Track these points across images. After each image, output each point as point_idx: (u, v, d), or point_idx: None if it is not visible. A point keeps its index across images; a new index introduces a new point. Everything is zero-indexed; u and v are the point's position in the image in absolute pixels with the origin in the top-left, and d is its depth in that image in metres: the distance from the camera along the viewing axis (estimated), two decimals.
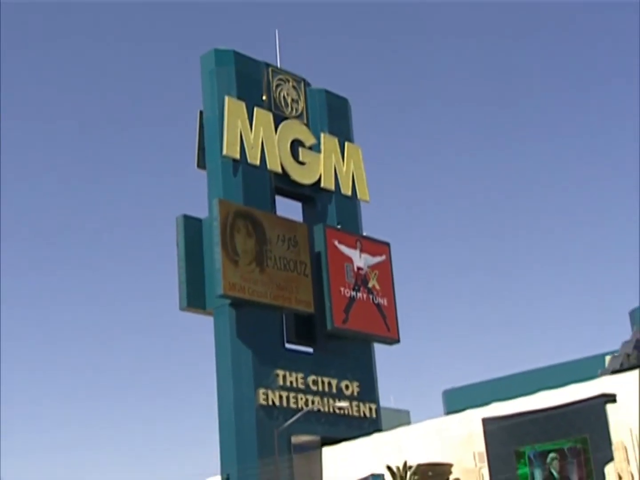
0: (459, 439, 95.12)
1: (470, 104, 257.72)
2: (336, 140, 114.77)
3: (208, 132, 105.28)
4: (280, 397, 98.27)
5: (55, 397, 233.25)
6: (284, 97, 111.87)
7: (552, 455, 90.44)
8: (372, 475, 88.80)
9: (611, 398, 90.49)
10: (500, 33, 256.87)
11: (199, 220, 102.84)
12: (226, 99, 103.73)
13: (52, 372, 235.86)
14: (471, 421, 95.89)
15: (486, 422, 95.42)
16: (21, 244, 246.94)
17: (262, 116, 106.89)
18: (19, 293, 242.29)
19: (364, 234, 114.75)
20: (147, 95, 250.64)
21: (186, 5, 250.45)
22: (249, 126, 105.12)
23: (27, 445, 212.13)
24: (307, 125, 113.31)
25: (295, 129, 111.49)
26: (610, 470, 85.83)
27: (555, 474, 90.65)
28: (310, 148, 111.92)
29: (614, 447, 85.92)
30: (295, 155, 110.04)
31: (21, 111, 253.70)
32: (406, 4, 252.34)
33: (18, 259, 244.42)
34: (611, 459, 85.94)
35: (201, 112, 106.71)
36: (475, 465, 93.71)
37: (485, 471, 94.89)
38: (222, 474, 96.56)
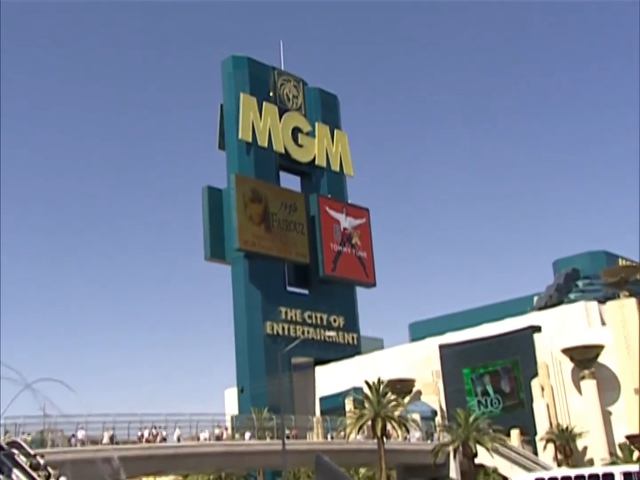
0: (421, 360, 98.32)
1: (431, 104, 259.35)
2: (327, 128, 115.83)
3: (227, 121, 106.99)
4: (283, 328, 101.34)
5: (109, 331, 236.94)
6: (286, 93, 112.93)
7: (486, 378, 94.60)
8: (354, 388, 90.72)
9: (537, 329, 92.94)
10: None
11: (219, 190, 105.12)
12: (241, 95, 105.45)
13: (109, 309, 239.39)
14: (430, 347, 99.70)
15: (442, 347, 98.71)
16: (82, 214, 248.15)
17: (269, 108, 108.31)
18: (69, 258, 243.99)
19: (349, 201, 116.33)
20: (178, 91, 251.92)
21: (210, 18, 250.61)
22: (259, 116, 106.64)
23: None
24: (304, 116, 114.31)
25: (295, 119, 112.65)
26: (535, 383, 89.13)
27: (489, 389, 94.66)
28: (307, 134, 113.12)
29: (538, 366, 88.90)
30: (295, 139, 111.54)
31: (72, 98, 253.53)
32: (387, 17, 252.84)
33: (76, 221, 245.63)
34: (536, 374, 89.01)
35: (222, 105, 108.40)
36: (433, 380, 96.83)
37: (440, 385, 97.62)
38: (238, 386, 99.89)
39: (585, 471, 57.02)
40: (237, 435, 68.98)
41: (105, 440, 57.32)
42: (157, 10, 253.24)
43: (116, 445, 56.31)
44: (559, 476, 57.10)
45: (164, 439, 61.71)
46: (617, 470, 52.04)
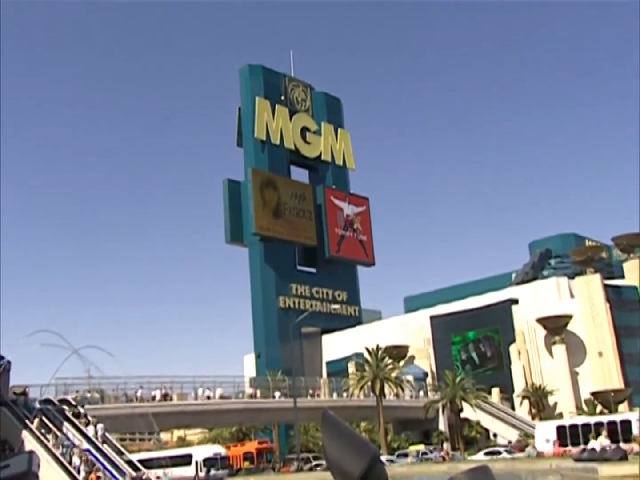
0: (414, 329, 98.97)
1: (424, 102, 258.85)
2: (332, 127, 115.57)
3: (244, 122, 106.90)
4: (294, 302, 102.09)
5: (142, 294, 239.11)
6: (296, 97, 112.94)
7: (471, 344, 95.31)
8: (356, 353, 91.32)
9: (515, 301, 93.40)
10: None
11: (238, 183, 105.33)
12: (257, 99, 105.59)
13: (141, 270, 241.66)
14: (422, 317, 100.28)
15: (432, 318, 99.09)
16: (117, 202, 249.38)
17: (281, 110, 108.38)
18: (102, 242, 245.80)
19: (351, 191, 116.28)
20: (200, 95, 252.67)
21: (228, 31, 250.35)
22: (272, 117, 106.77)
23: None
24: (312, 116, 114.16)
25: (304, 119, 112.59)
26: (513, 348, 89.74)
27: (473, 354, 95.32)
28: (314, 132, 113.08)
29: (515, 333, 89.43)
30: (304, 137, 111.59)
31: (110, 103, 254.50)
32: (384, 26, 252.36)
33: (117, 207, 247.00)
34: (513, 340, 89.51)
35: (239, 108, 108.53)
36: (425, 346, 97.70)
37: (431, 350, 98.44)
38: (255, 352, 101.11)
39: (604, 418, 55.90)
40: (258, 393, 69.97)
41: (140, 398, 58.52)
42: (182, 24, 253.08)
43: (151, 402, 57.55)
44: (580, 423, 56.10)
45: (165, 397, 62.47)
46: (634, 417, 50.95)
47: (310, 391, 73.88)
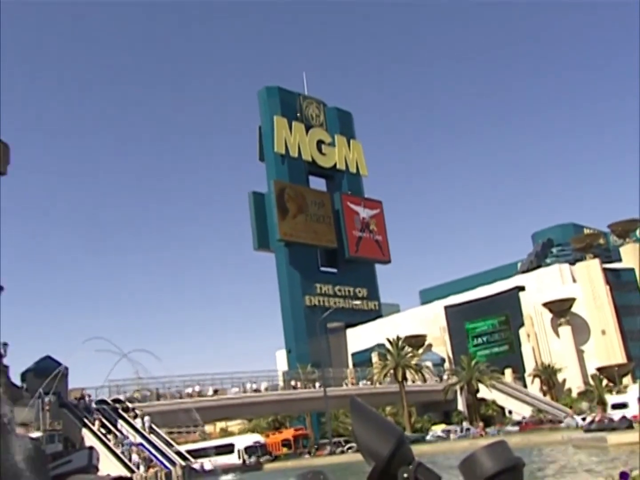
0: (430, 319, 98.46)
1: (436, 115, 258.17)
2: (345, 139, 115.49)
3: (265, 138, 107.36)
4: (319, 300, 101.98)
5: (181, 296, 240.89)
6: (310, 113, 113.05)
7: (483, 329, 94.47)
8: (378, 344, 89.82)
9: (522, 288, 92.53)
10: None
11: (262, 194, 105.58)
12: (275, 117, 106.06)
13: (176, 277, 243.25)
14: (437, 308, 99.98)
15: (447, 308, 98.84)
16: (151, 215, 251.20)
17: (297, 126, 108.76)
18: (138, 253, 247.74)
19: (365, 196, 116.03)
20: (222, 115, 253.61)
21: (247, 54, 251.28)
22: (290, 133, 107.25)
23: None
24: (326, 130, 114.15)
25: (319, 133, 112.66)
26: (522, 332, 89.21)
27: (486, 338, 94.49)
28: (328, 144, 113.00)
29: (524, 318, 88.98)
30: (319, 149, 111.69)
31: (146, 122, 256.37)
32: (391, 47, 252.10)
33: (154, 219, 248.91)
34: (522, 324, 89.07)
35: (260, 127, 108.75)
36: (441, 334, 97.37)
37: (447, 338, 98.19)
38: (286, 348, 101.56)
39: None
40: (299, 385, 70.32)
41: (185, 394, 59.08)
42: (203, 52, 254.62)
43: (193, 398, 58.05)
44: None
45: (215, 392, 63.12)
46: None
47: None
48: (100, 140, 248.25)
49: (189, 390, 59.56)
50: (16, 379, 39.33)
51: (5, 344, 33.39)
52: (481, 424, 67.56)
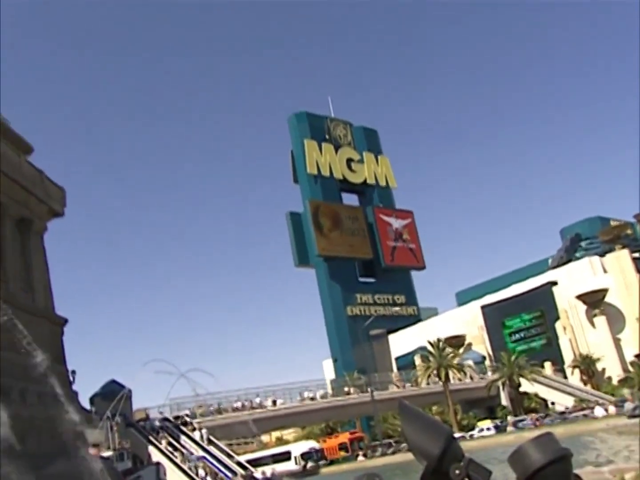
0: (468, 320, 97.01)
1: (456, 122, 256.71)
2: (372, 155, 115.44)
3: (297, 161, 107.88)
4: (360, 309, 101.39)
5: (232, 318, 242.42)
6: (338, 134, 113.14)
7: (520, 325, 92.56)
8: (419, 347, 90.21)
9: (554, 283, 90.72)
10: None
11: (298, 214, 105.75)
12: (305, 141, 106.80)
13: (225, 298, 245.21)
14: (474, 308, 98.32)
15: (483, 307, 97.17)
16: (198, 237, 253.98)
17: (327, 147, 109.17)
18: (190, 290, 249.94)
19: (396, 207, 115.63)
20: (256, 141, 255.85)
21: (276, 82, 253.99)
22: (320, 154, 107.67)
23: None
24: (354, 148, 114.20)
25: (347, 152, 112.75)
26: (558, 325, 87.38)
27: (524, 334, 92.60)
28: (357, 161, 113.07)
29: (559, 311, 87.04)
30: (349, 167, 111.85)
31: (187, 150, 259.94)
32: (413, 71, 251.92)
33: (200, 241, 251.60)
34: (558, 318, 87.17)
35: (292, 151, 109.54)
36: (479, 333, 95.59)
37: (485, 336, 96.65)
38: (332, 357, 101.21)
39: None
40: (352, 391, 69.95)
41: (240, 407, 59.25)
42: (232, 82, 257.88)
43: (249, 411, 58.21)
44: None
45: (274, 403, 63.28)
46: None
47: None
48: (152, 173, 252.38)
49: (245, 403, 59.79)
50: (85, 403, 40.00)
51: (73, 372, 33.99)
52: (533, 415, 66.13)
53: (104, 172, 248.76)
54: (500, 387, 74.66)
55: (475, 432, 63.70)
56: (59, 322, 33.99)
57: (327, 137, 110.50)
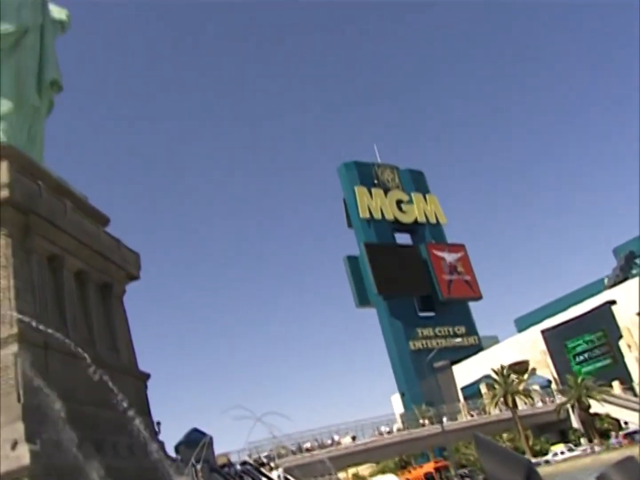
0: (529, 345, 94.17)
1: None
2: (420, 195, 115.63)
3: (350, 208, 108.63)
4: (422, 343, 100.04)
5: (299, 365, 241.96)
6: (386, 178, 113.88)
7: (583, 347, 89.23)
8: (484, 376, 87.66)
9: (613, 302, 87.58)
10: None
11: (355, 257, 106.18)
12: (356, 188, 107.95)
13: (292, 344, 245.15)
14: (534, 333, 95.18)
15: (543, 332, 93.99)
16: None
17: (377, 192, 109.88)
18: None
19: (448, 241, 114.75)
20: (308, 190, 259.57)
21: (323, 132, 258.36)
22: (371, 199, 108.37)
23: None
24: (402, 190, 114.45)
25: (397, 194, 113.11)
26: (622, 343, 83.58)
27: (588, 355, 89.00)
28: (407, 202, 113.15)
29: (621, 330, 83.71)
30: (399, 208, 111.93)
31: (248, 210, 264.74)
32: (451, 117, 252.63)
33: (259, 290, 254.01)
34: (621, 336, 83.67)
35: (344, 199, 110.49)
36: (542, 357, 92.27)
37: (549, 360, 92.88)
38: (399, 392, 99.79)
39: None
40: (426, 422, 68.22)
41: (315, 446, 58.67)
42: (284, 136, 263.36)
43: (326, 449, 57.56)
44: None
45: (353, 438, 62.45)
46: None
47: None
48: (212, 229, 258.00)
49: (324, 440, 59.20)
50: (170, 451, 40.34)
51: (158, 423, 34.42)
52: (621, 433, 62.86)
53: (171, 235, 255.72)
54: (570, 410, 71.65)
55: (549, 457, 61.04)
56: (142, 377, 34.68)
57: (375, 182, 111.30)
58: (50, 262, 28.56)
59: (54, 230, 28.41)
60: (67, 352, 24.17)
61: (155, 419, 34.54)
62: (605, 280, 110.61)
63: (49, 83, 33.04)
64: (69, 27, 35.32)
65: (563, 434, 72.48)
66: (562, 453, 60.87)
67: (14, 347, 22.95)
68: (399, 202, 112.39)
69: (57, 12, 34.33)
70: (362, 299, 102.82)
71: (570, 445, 64.21)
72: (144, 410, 32.67)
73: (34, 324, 23.45)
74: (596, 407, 70.23)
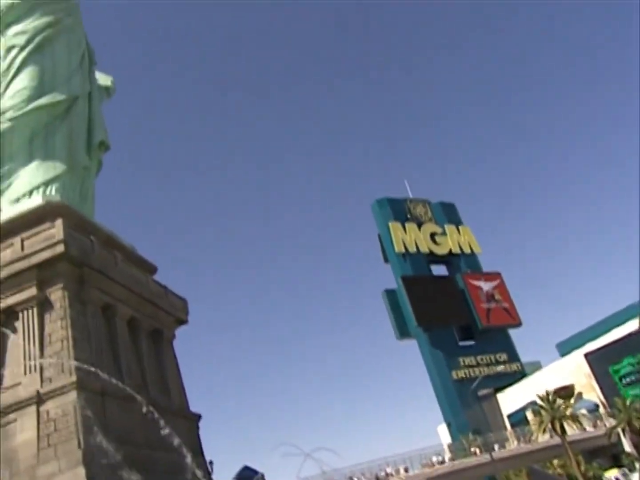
0: (573, 369, 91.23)
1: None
2: (454, 226, 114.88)
3: (385, 243, 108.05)
4: (464, 372, 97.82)
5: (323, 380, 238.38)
6: (419, 212, 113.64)
7: (629, 368, 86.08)
8: (529, 402, 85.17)
9: None
10: None
11: (393, 291, 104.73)
12: (390, 224, 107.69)
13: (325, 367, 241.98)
14: (578, 357, 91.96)
15: (586, 355, 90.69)
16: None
17: (410, 226, 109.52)
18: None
19: (484, 270, 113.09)
20: (344, 227, 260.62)
21: (354, 171, 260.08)
22: (405, 233, 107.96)
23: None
24: (435, 223, 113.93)
25: (430, 227, 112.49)
26: None
27: (635, 377, 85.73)
28: (441, 234, 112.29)
29: None
30: (433, 240, 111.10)
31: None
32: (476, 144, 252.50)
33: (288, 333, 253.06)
34: None
35: (379, 235, 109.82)
36: (588, 381, 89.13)
37: (594, 383, 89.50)
38: (445, 422, 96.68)
39: None
40: (478, 451, 66.57)
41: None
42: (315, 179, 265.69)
43: None
44: None
45: (406, 470, 61.22)
46: None
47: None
48: (250, 271, 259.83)
49: (376, 473, 58.15)
50: None
51: (211, 462, 34.45)
52: None
53: (217, 274, 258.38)
54: (621, 434, 68.69)
55: None
56: (194, 418, 34.85)
57: (408, 216, 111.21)
58: (103, 312, 29.28)
59: (107, 281, 29.23)
60: (122, 397, 24.52)
61: (207, 458, 34.53)
62: None
63: (97, 144, 34.44)
64: (114, 92, 36.93)
65: (615, 458, 69.63)
66: (616, 479, 58.28)
67: (73, 395, 23.38)
68: (432, 235, 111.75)
69: (103, 79, 36.00)
70: (403, 332, 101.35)
71: (625, 470, 61.50)
72: (197, 450, 32.71)
73: (91, 371, 23.96)
74: None
